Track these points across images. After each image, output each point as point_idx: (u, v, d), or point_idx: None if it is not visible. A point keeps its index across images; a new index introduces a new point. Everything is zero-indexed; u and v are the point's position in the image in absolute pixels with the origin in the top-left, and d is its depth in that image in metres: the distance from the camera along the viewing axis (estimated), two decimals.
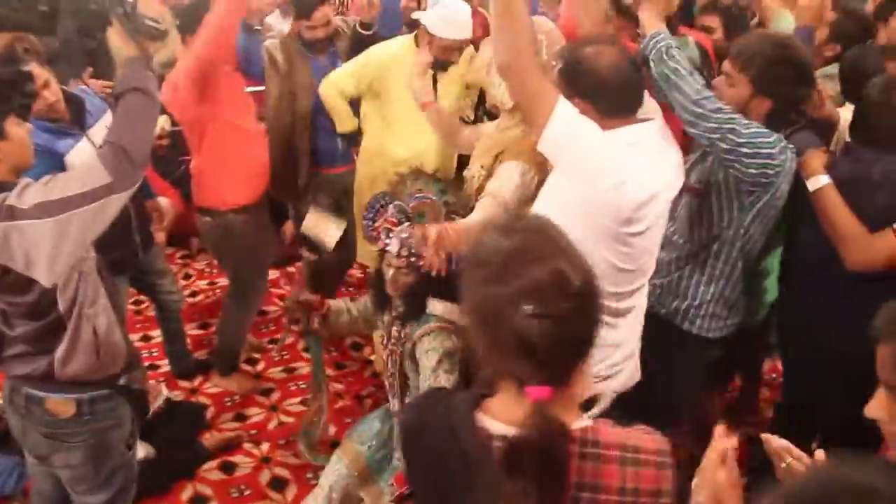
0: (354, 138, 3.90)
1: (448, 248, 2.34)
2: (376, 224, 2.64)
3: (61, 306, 2.02)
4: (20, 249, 1.88)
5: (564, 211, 1.99)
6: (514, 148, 2.59)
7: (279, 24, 5.23)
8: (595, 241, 1.99)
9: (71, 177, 1.94)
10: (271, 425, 3.54)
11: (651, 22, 2.40)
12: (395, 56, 3.57)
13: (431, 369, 2.47)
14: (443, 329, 2.56)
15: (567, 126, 1.96)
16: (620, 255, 2.07)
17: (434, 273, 2.41)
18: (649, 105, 2.19)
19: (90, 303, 2.07)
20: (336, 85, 3.69)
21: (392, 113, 3.62)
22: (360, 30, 3.94)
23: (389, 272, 2.55)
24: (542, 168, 2.55)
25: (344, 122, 3.81)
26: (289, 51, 3.82)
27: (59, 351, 2.06)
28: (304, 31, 3.80)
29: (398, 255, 2.49)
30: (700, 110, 2.20)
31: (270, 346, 4.12)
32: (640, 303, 2.28)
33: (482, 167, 2.65)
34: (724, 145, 2.18)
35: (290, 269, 4.78)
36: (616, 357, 2.22)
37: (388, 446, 2.76)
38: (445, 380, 2.49)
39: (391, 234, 2.54)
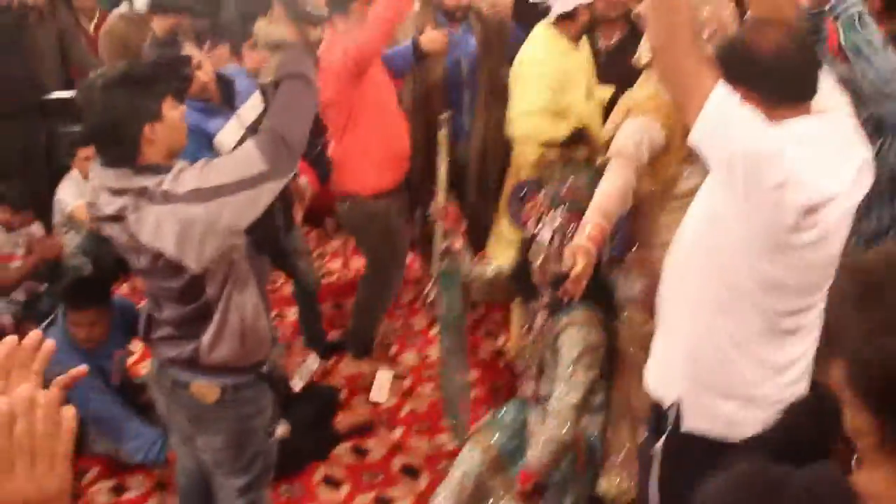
0: None
1: (590, 267, 2.20)
2: (526, 210, 2.55)
3: (210, 292, 2.01)
4: (173, 234, 1.87)
5: (720, 215, 1.82)
6: (643, 104, 2.45)
7: None
8: (756, 251, 1.76)
9: (227, 163, 1.91)
10: (403, 411, 3.50)
11: None
12: (548, 56, 3.31)
13: (572, 360, 2.41)
14: (588, 321, 2.47)
15: (723, 114, 1.70)
16: (785, 269, 1.79)
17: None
18: (834, 97, 1.94)
19: (239, 290, 2.05)
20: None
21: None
22: None
23: (538, 260, 2.48)
24: (671, 124, 2.39)
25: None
26: (421, 27, 3.69)
27: (206, 336, 2.05)
28: None
29: (549, 243, 2.42)
30: (890, 90, 2.02)
31: (404, 330, 4.09)
32: (812, 322, 1.93)
33: (614, 125, 2.49)
34: None
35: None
36: (784, 381, 1.92)
37: (521, 437, 2.68)
38: (584, 375, 2.42)
39: (542, 222, 2.44)
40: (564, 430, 2.40)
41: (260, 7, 1.98)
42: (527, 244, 2.59)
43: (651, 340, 2.22)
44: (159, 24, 2.44)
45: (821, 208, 1.71)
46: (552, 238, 2.46)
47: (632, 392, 2.64)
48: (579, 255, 2.20)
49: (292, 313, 4.02)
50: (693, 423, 1.94)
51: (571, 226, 2.44)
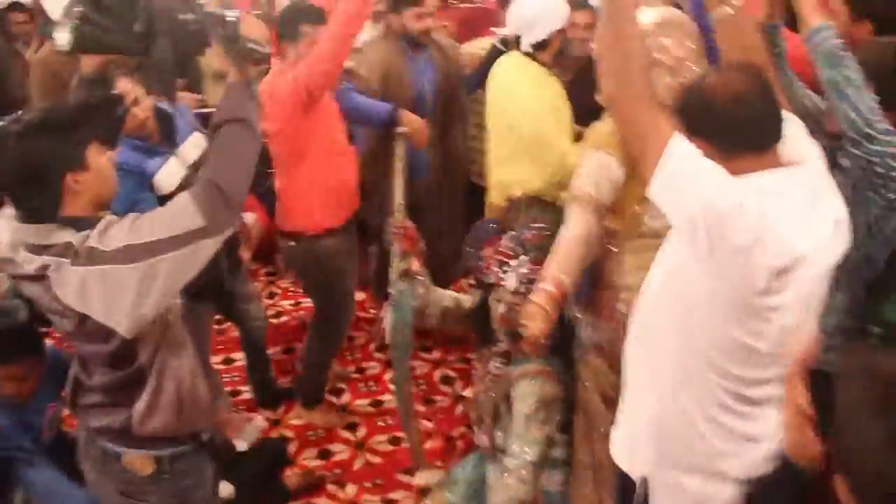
0: None
1: (547, 330, 2.10)
2: (483, 254, 2.42)
3: (143, 358, 1.82)
4: (100, 297, 1.68)
5: (684, 273, 1.69)
6: (602, 139, 2.32)
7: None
8: (723, 313, 1.64)
9: (160, 217, 1.73)
10: (357, 464, 3.31)
11: (812, 13, 2.09)
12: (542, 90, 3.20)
13: (525, 416, 2.29)
14: (542, 373, 2.35)
15: (680, 167, 1.58)
16: (754, 334, 1.65)
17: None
18: (804, 146, 1.83)
19: (175, 354, 1.87)
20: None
21: None
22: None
23: (500, 307, 2.35)
24: (628, 158, 2.24)
25: None
26: (386, 56, 3.56)
27: (139, 406, 1.86)
28: (411, 22, 3.49)
29: (515, 292, 2.30)
30: (870, 131, 1.92)
31: (356, 375, 3.90)
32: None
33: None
34: (880, 169, 1.94)
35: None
36: (754, 454, 1.78)
37: (480, 494, 2.52)
38: (539, 431, 2.30)
39: (506, 268, 2.33)
40: (524, 491, 2.27)
41: (195, 45, 1.81)
42: (486, 288, 2.46)
43: (616, 389, 2.14)
44: (87, 62, 2.26)
45: (793, 269, 1.58)
46: (518, 287, 2.33)
47: (595, 444, 2.51)
48: (537, 318, 2.09)
49: (240, 358, 3.80)
50: (661, 501, 1.82)
51: (536, 274, 2.32)
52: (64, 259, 1.70)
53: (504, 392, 2.41)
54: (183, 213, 1.71)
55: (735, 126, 1.64)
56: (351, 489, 3.16)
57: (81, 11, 1.71)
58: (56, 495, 2.88)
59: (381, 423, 3.55)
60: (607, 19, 1.63)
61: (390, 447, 3.39)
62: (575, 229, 2.27)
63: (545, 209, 2.53)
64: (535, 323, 2.10)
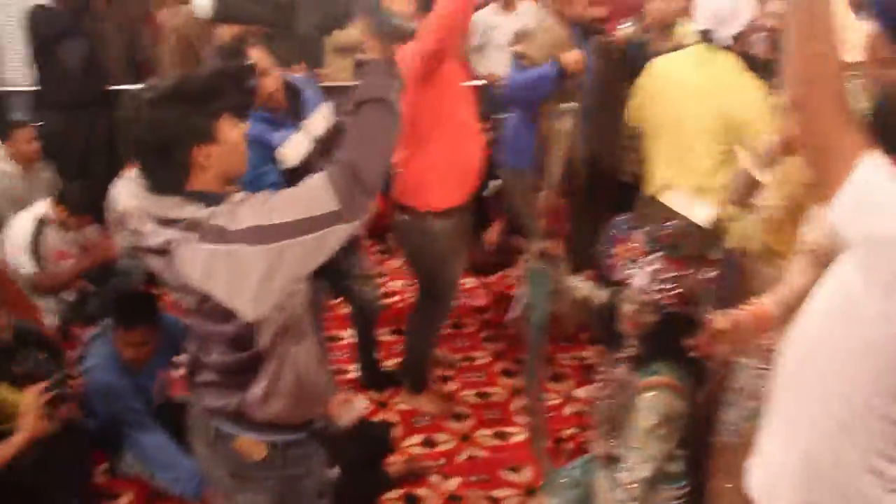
0: None
1: (738, 342, 1.91)
2: (615, 251, 2.30)
3: (261, 343, 1.74)
4: (224, 277, 1.61)
5: (854, 315, 1.46)
6: None
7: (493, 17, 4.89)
8: (878, 378, 1.44)
9: (292, 198, 1.64)
10: (461, 457, 3.21)
11: None
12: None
13: (646, 431, 2.16)
14: (670, 386, 2.20)
15: (871, 191, 1.36)
16: None
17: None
18: None
19: (296, 341, 1.79)
20: None
21: None
22: None
23: (628, 308, 2.22)
24: None
25: None
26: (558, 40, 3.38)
27: (256, 390, 1.78)
28: (583, 9, 3.36)
29: (645, 291, 2.18)
30: None
31: (464, 363, 3.80)
32: None
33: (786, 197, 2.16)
34: None
35: (491, 279, 4.45)
36: None
37: (585, 503, 2.40)
38: (658, 447, 2.16)
39: (636, 266, 2.21)
40: None
41: (337, 19, 1.71)
42: (615, 288, 2.34)
43: None
44: (224, 31, 2.20)
45: None
46: (649, 285, 2.20)
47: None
48: (730, 321, 1.95)
49: (347, 336, 3.75)
50: None
51: (669, 273, 2.18)
52: (190, 235, 1.63)
53: (627, 400, 2.27)
54: (317, 196, 1.61)
55: None
56: (454, 482, 3.07)
57: None
58: (163, 459, 2.93)
59: (488, 416, 3.44)
60: (799, 11, 1.43)
61: (496, 441, 3.28)
62: (802, 280, 1.99)
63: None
64: (725, 323, 1.96)
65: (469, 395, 3.59)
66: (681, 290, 2.19)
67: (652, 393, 2.20)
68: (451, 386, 3.64)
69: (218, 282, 1.61)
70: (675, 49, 3.26)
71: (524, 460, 3.13)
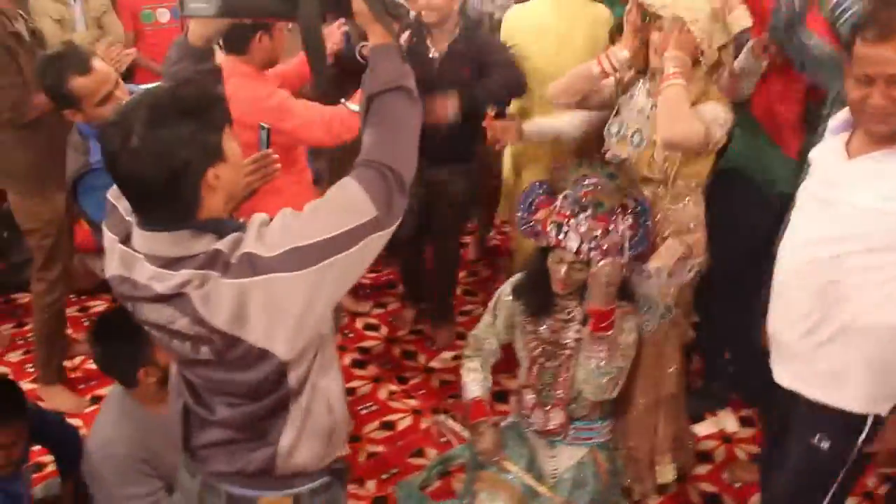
0: None
1: None
2: (537, 217, 2.34)
3: (292, 382, 1.48)
4: (262, 314, 1.34)
5: None
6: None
7: None
8: None
9: (326, 211, 1.40)
10: (360, 458, 3.04)
11: None
12: None
13: (628, 346, 2.35)
14: (632, 313, 2.39)
15: None
16: None
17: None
18: None
19: (324, 374, 1.55)
20: None
21: None
22: None
23: (561, 269, 2.29)
24: None
25: None
26: None
27: (286, 438, 1.52)
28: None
29: (578, 251, 2.24)
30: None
31: None
32: None
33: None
34: None
35: None
36: None
37: (535, 467, 2.48)
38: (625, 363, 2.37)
39: (565, 229, 2.24)
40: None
41: (342, 5, 1.48)
42: (543, 254, 2.38)
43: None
44: (197, 30, 1.79)
45: None
46: (580, 245, 2.25)
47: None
48: None
49: None
50: None
51: (597, 230, 2.25)
52: (213, 272, 1.33)
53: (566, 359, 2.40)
54: (353, 204, 1.39)
55: None
56: (371, 484, 2.91)
57: None
58: None
59: (364, 411, 3.31)
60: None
61: (387, 432, 3.19)
62: None
63: (595, 165, 2.39)
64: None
65: None
66: (607, 243, 2.26)
67: (624, 319, 2.33)
68: None
69: (252, 321, 1.35)
70: None
71: (422, 442, 3.08)
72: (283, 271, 1.33)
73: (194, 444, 1.60)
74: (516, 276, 2.54)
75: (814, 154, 1.96)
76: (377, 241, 1.41)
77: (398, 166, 1.44)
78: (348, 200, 1.40)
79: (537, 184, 2.43)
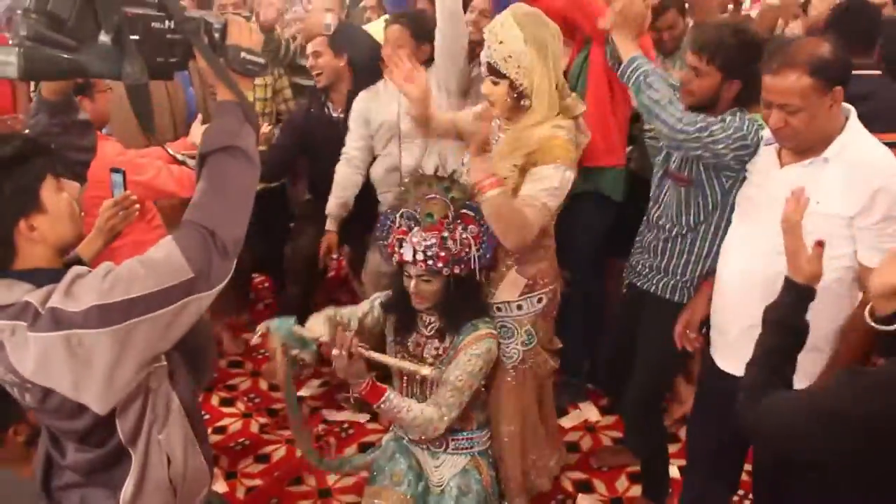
0: None
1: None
2: (389, 241, 2.47)
3: (122, 435, 1.54)
4: (66, 368, 1.39)
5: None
6: (548, 148, 2.37)
7: None
8: None
9: (139, 269, 1.42)
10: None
11: (626, 46, 2.36)
12: None
13: (469, 373, 2.41)
14: (491, 337, 2.46)
15: None
16: None
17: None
18: None
19: (161, 425, 1.59)
20: None
21: None
22: None
23: (412, 284, 2.41)
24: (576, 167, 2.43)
25: None
26: None
27: (126, 489, 1.57)
28: None
29: (414, 262, 2.36)
30: (683, 136, 2.23)
31: None
32: None
33: (515, 166, 2.40)
34: (707, 154, 2.23)
35: None
36: None
37: (423, 476, 2.59)
38: (469, 387, 2.42)
39: (404, 244, 2.38)
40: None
41: (176, 62, 1.49)
42: (398, 273, 2.49)
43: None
44: (49, 86, 1.75)
45: None
46: (416, 255, 2.36)
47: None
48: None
49: None
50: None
51: (429, 241, 2.36)
52: (20, 322, 1.39)
53: (446, 363, 2.46)
54: (166, 264, 1.43)
55: None
56: None
57: (29, 24, 1.33)
58: None
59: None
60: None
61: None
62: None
63: (432, 182, 2.49)
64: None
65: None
66: (444, 251, 2.35)
67: (479, 343, 2.42)
68: None
69: (59, 374, 1.40)
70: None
71: (298, 471, 3.13)
72: (87, 328, 1.37)
73: (52, 486, 1.63)
74: (385, 294, 2.63)
75: (750, 164, 2.21)
76: (196, 303, 1.45)
77: (221, 230, 1.45)
78: (162, 260, 1.43)
79: (388, 211, 2.53)
